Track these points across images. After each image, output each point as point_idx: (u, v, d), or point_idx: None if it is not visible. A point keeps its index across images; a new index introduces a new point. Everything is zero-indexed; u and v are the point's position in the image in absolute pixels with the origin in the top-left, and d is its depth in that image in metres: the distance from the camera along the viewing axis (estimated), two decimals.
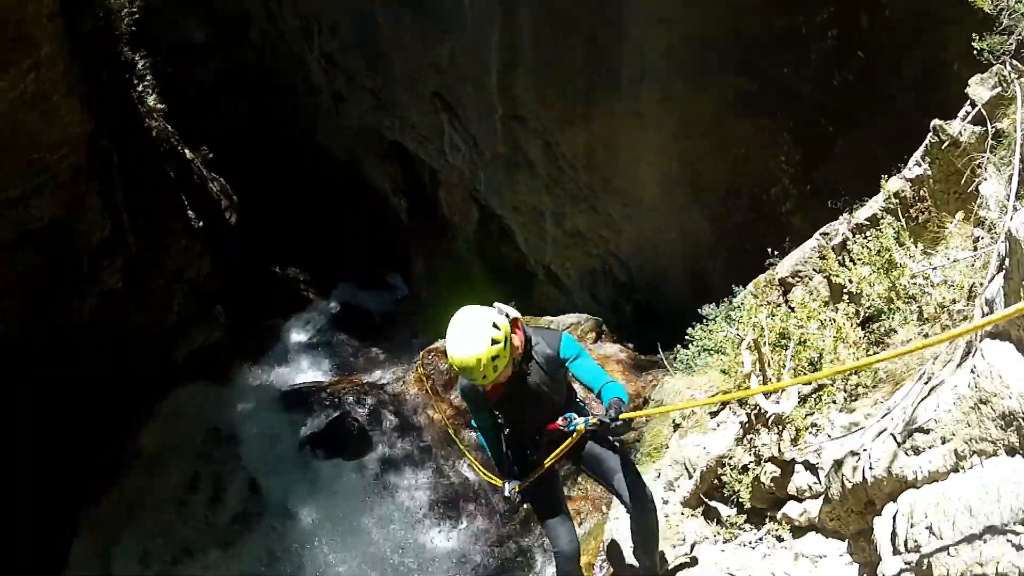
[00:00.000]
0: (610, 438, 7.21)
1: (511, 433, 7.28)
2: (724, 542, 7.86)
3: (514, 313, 6.98)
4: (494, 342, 6.24)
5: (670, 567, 7.94)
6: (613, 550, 9.14)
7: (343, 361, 26.03)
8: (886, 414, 6.10)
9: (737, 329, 8.55)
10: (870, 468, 5.40)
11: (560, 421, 6.90)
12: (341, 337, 27.22)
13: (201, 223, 24.51)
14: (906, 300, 7.45)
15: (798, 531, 7.20)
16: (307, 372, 25.39)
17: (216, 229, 26.07)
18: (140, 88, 24.26)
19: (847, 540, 6.46)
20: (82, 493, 19.24)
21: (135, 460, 20.63)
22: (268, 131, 30.30)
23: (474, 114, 22.47)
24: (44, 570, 17.91)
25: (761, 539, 7.51)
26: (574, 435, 6.83)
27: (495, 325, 6.30)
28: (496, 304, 7.00)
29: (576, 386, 7.46)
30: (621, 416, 6.42)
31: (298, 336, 27.55)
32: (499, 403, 7.02)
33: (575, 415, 6.93)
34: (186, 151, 26.68)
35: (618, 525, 9.48)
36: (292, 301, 29.00)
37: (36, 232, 18.12)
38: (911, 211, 8.10)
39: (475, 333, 6.26)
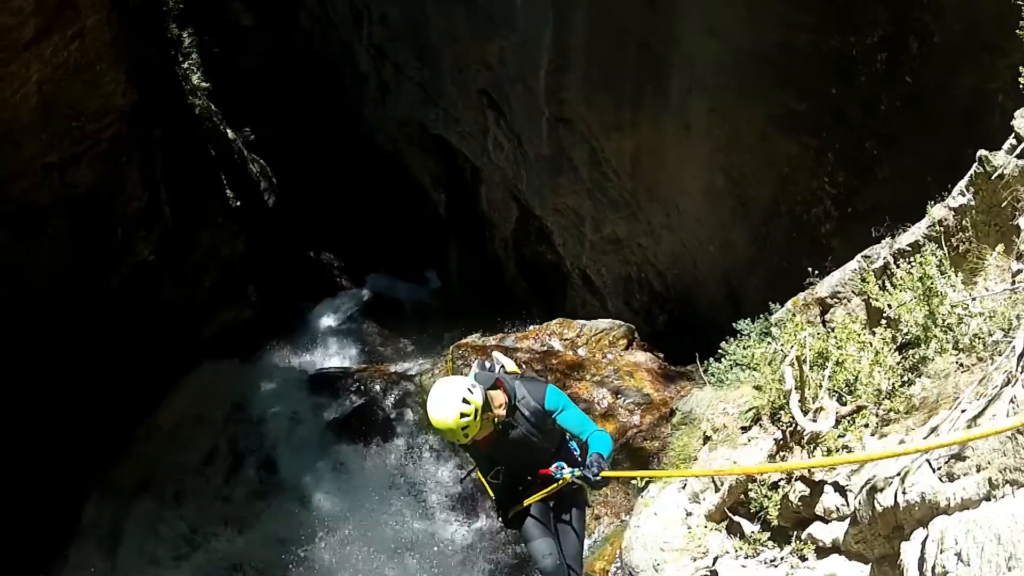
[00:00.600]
0: (587, 495, 8.34)
1: (505, 470, 7.87)
2: (746, 558, 7.82)
3: (511, 367, 8.30)
4: (463, 415, 6.98)
5: None
6: (631, 555, 9.18)
7: (371, 349, 26.08)
8: (928, 436, 6.07)
9: (780, 344, 8.51)
10: (903, 492, 5.35)
11: (552, 468, 7.65)
12: (371, 326, 27.26)
13: (239, 203, 24.62)
14: (944, 329, 7.42)
15: (822, 552, 7.15)
16: (335, 357, 25.45)
17: (253, 210, 26.18)
18: (185, 65, 24.49)
19: (870, 564, 6.42)
20: (99, 460, 19.33)
21: (155, 431, 20.76)
22: (312, 116, 30.37)
23: (520, 113, 22.46)
24: (55, 532, 18.00)
25: (784, 558, 7.48)
26: (560, 482, 7.62)
27: (465, 400, 7.01)
28: (496, 354, 8.56)
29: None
30: (602, 474, 7.30)
31: (328, 321, 27.61)
32: (489, 449, 7.69)
33: (565, 465, 7.68)
34: (228, 131, 26.82)
35: (639, 533, 9.49)
36: (324, 286, 29.07)
37: (72, 199, 18.20)
38: (952, 240, 8.05)
39: (447, 404, 7.02)
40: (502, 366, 8.27)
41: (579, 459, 7.89)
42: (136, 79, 18.98)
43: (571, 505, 8.17)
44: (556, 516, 8.19)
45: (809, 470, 7.38)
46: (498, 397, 7.51)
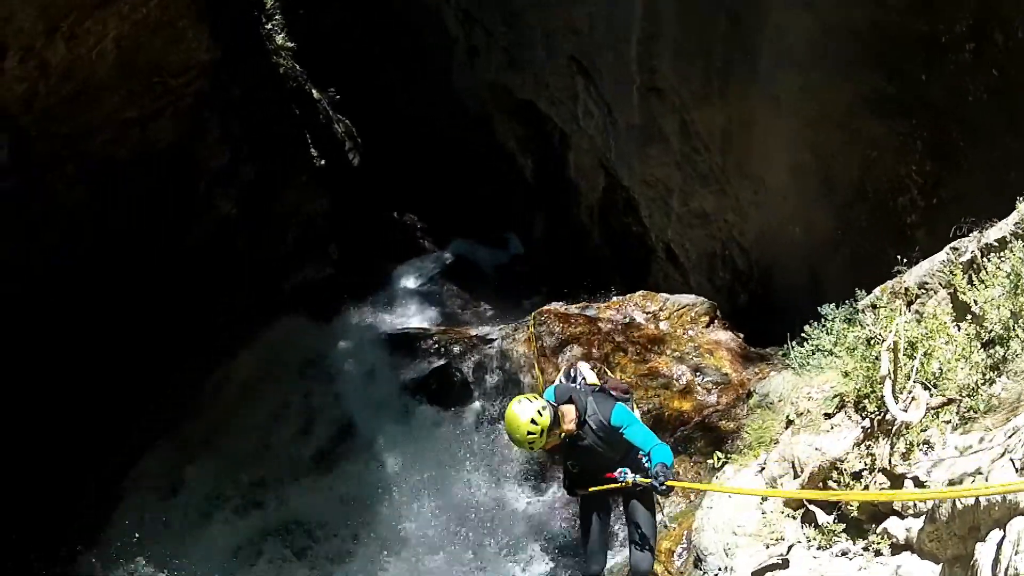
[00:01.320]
0: (656, 497, 9.47)
1: (576, 467, 9.51)
2: (819, 549, 7.74)
3: (591, 378, 9.79)
4: (530, 432, 8.44)
5: (762, 566, 7.87)
6: (701, 537, 9.16)
7: (451, 312, 26.13)
8: (1012, 435, 5.96)
9: (879, 328, 8.40)
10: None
11: (617, 473, 8.94)
12: (452, 288, 27.33)
13: (323, 162, 24.82)
14: None
15: (895, 549, 7.07)
16: (414, 318, 25.48)
17: (338, 169, 26.36)
18: (269, 26, 24.66)
19: (942, 564, 6.32)
20: (169, 411, 19.49)
21: (229, 384, 20.87)
22: (399, 79, 30.45)
23: (610, 81, 22.37)
24: (118, 485, 18.18)
25: (858, 552, 7.39)
26: (622, 484, 8.93)
27: (533, 420, 8.45)
28: (580, 365, 10.15)
29: None
30: (667, 483, 8.34)
31: (408, 282, 27.68)
32: (561, 451, 9.45)
33: (629, 471, 8.92)
34: (313, 91, 27.04)
35: (711, 515, 9.42)
36: (406, 247, 29.18)
37: (152, 155, 18.37)
38: None
39: (518, 421, 8.49)
40: (584, 377, 9.77)
41: (644, 466, 8.96)
42: (219, 37, 19.08)
43: (637, 501, 9.40)
44: (624, 509, 9.64)
45: (890, 463, 7.29)
46: (569, 413, 8.93)
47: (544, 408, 8.56)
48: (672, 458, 8.69)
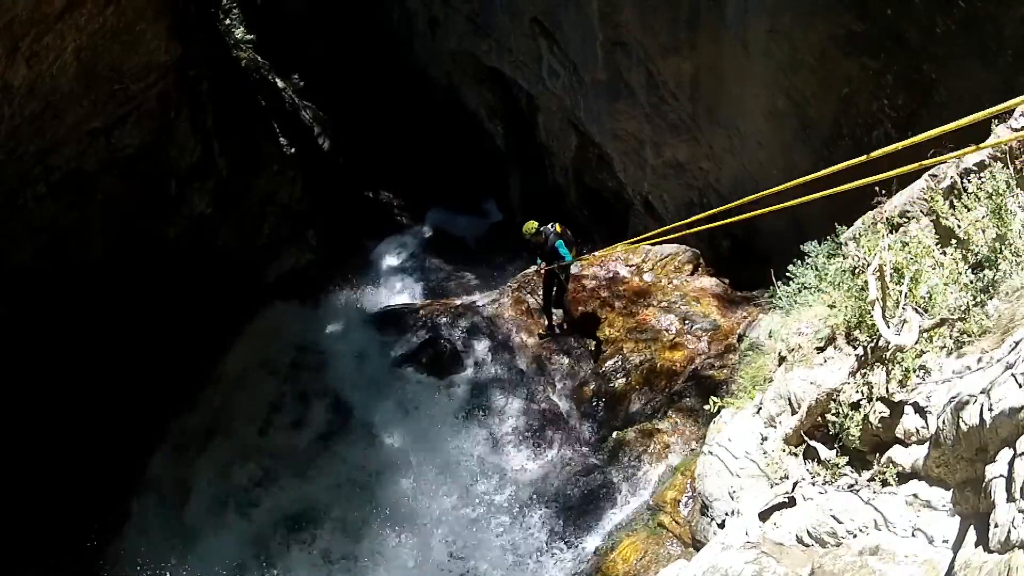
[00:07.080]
0: (561, 275, 18.98)
1: (541, 260, 19.18)
2: (824, 484, 7.68)
3: (557, 229, 18.39)
4: (528, 230, 18.57)
5: (769, 506, 7.81)
6: (704, 483, 9.13)
7: (436, 284, 26.20)
8: (1011, 350, 5.90)
9: (863, 253, 8.33)
10: (989, 409, 5.19)
11: (555, 266, 18.58)
12: (434, 261, 27.39)
13: (293, 149, 24.83)
14: (1013, 252, 7.28)
15: (902, 478, 7.00)
16: (399, 294, 25.56)
17: (308, 154, 26.39)
18: (227, 22, 24.66)
19: (951, 490, 6.24)
20: (167, 412, 19.41)
21: (222, 378, 20.81)
22: (361, 57, 30.40)
23: (574, 39, 22.31)
24: (122, 487, 18.04)
25: (864, 483, 7.33)
26: (555, 266, 18.41)
27: (532, 229, 18.45)
28: (556, 224, 18.66)
29: None
30: (563, 263, 18.45)
31: (390, 259, 27.71)
32: (537, 255, 19.19)
33: (558, 264, 18.37)
34: (277, 80, 27.17)
35: (712, 460, 9.38)
36: (384, 225, 29.22)
37: (121, 161, 18.26)
38: (1016, 163, 7.95)
39: (527, 227, 18.59)
40: (552, 226, 18.40)
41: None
42: (178, 35, 18.95)
43: (560, 279, 18.84)
44: (559, 279, 19.00)
45: (887, 390, 7.23)
46: (540, 238, 18.33)
47: (536, 230, 18.31)
48: (569, 257, 18.16)
